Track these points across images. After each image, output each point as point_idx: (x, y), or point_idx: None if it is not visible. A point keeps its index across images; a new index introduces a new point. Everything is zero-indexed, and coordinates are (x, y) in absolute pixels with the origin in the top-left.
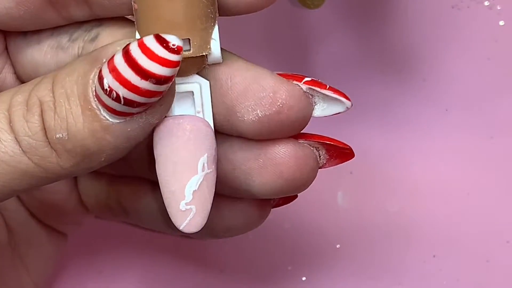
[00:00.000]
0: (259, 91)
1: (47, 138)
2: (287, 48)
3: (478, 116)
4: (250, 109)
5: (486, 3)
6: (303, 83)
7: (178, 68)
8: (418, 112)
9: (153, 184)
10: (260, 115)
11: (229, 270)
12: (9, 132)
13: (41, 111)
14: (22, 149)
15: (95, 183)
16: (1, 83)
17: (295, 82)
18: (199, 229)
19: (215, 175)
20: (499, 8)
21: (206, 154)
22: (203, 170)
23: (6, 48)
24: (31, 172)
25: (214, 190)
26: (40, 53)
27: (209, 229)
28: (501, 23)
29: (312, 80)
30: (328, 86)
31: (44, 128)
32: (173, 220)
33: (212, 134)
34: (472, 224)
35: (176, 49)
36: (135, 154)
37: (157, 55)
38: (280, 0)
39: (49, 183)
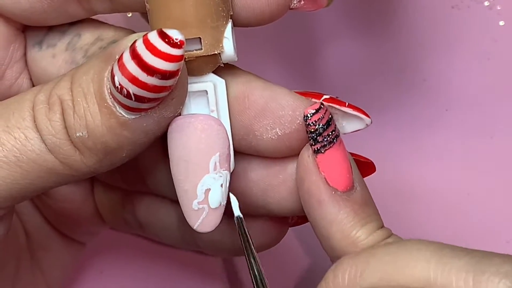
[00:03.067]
0: (278, 110)
1: (69, 136)
2: (290, 49)
3: (478, 116)
4: (268, 128)
5: (486, 3)
6: (322, 100)
7: (182, 62)
8: (418, 112)
9: (167, 200)
10: (279, 133)
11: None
12: (35, 130)
13: (62, 109)
14: (47, 147)
15: (111, 195)
16: (18, 88)
17: (313, 99)
18: (213, 228)
19: (229, 174)
20: (499, 8)
21: (218, 153)
22: (215, 169)
23: (25, 54)
24: (57, 170)
25: (228, 189)
26: (55, 67)
27: (225, 247)
28: (501, 23)
29: (330, 97)
30: (347, 104)
31: (66, 127)
32: (187, 219)
33: (225, 133)
34: (472, 224)
35: (178, 43)
36: (148, 170)
37: (160, 51)
38: None
39: (75, 180)
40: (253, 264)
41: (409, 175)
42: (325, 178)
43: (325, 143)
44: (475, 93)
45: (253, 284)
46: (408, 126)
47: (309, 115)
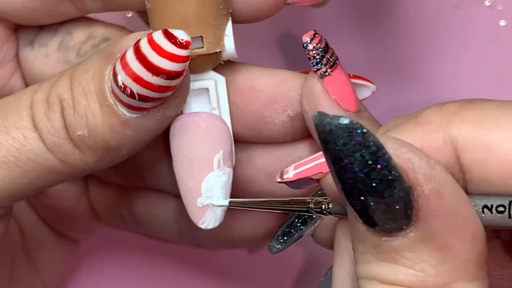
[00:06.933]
0: (288, 92)
1: (69, 135)
2: (289, 47)
3: None
4: (280, 111)
5: (487, 3)
6: None
7: (188, 62)
8: None
9: (165, 194)
10: (291, 115)
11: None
12: (33, 130)
13: (62, 108)
14: (46, 146)
15: (106, 192)
16: (11, 87)
17: None
18: (217, 225)
19: (232, 172)
20: (500, 8)
21: (221, 151)
22: (219, 167)
23: (17, 54)
24: (57, 169)
25: (231, 186)
26: (48, 66)
27: (226, 239)
28: (502, 23)
29: None
30: (351, 75)
31: (66, 126)
32: (191, 217)
33: (228, 130)
34: None
35: (184, 44)
36: (147, 165)
37: (166, 51)
38: None
39: (74, 178)
40: None
41: None
42: (335, 100)
43: (330, 64)
44: (475, 93)
45: None
46: None
47: (308, 41)
